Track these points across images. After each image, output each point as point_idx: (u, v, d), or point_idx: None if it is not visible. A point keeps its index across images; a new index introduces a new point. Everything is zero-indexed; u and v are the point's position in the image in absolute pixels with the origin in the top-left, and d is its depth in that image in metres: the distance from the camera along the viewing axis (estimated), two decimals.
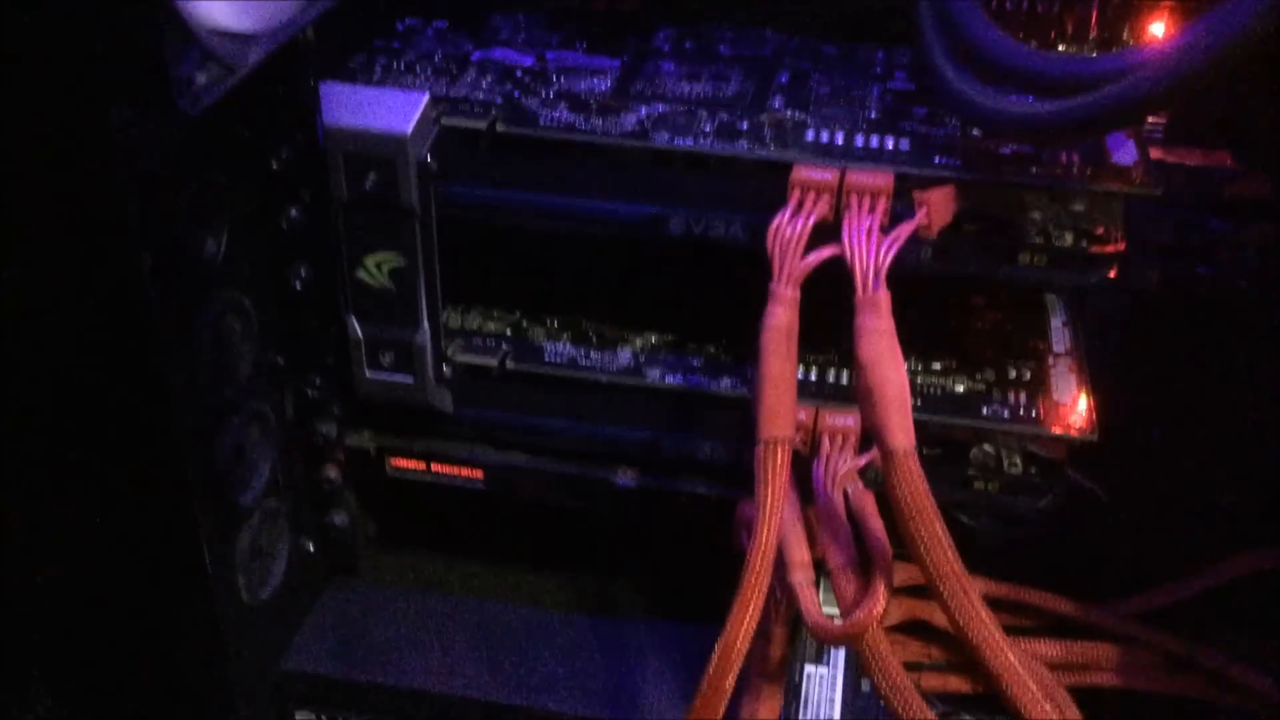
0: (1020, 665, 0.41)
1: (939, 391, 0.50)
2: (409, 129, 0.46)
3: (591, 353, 0.53)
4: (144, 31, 0.37)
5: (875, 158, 0.46)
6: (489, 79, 0.51)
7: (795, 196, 0.44)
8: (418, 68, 0.51)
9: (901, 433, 0.41)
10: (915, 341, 0.52)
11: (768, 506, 0.43)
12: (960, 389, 0.51)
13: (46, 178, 0.39)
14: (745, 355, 0.52)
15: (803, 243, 0.43)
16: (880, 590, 0.43)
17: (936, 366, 0.52)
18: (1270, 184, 0.55)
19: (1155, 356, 0.59)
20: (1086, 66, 0.40)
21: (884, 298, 0.42)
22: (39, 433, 0.45)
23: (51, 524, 0.48)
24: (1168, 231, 0.56)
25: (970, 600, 0.41)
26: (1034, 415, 0.49)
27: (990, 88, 0.42)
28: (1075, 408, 0.49)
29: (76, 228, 0.40)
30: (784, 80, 0.51)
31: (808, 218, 0.43)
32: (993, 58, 0.42)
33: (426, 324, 0.50)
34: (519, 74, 0.51)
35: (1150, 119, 0.55)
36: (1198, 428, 0.60)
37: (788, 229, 0.43)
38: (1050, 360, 0.52)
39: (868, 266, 0.42)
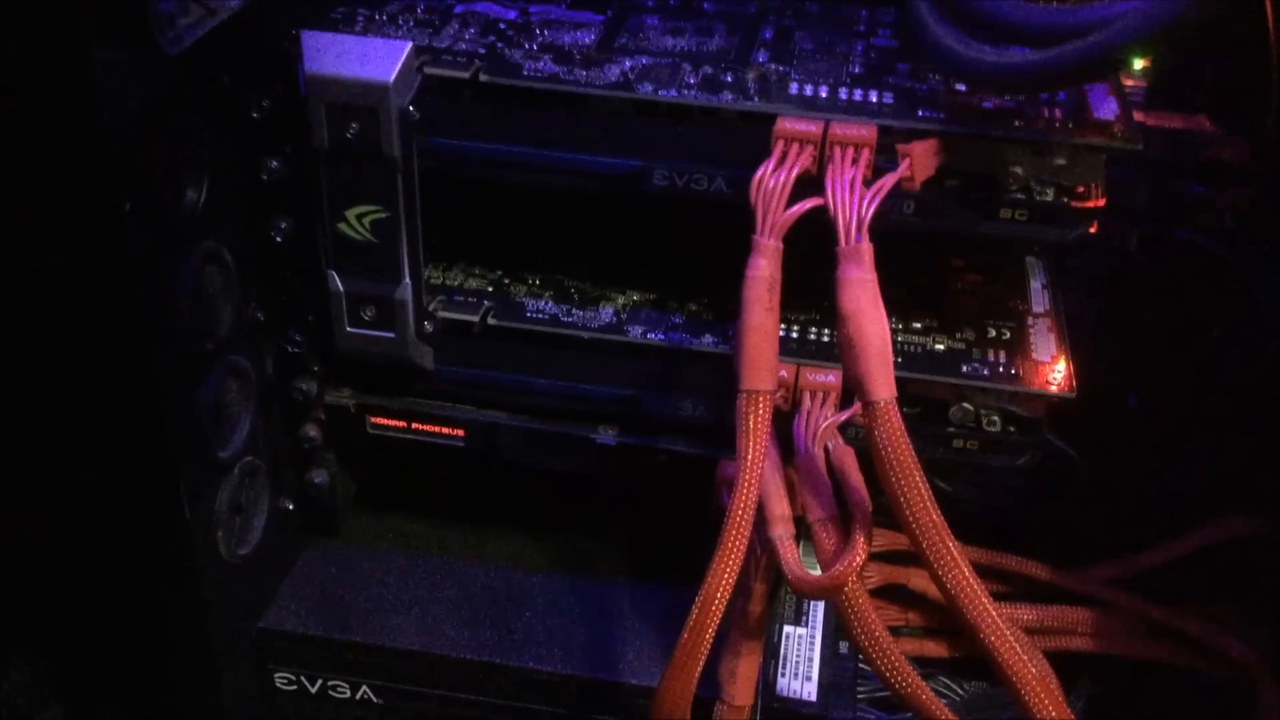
0: (998, 616, 0.42)
1: (919, 350, 0.51)
2: (391, 77, 0.46)
3: (573, 310, 0.53)
4: None
5: (858, 110, 0.46)
6: (472, 31, 0.50)
7: (779, 148, 0.44)
8: (400, 19, 0.51)
9: (883, 383, 0.41)
10: (896, 301, 0.52)
11: (749, 457, 0.43)
12: (940, 347, 0.51)
13: (25, 118, 0.38)
14: (727, 312, 0.52)
15: (786, 194, 0.43)
16: (860, 543, 0.43)
17: (917, 325, 0.52)
18: (1248, 148, 0.56)
19: (1133, 320, 0.60)
20: (1069, 16, 0.41)
21: (866, 249, 0.42)
22: (16, 387, 0.44)
23: (30, 480, 0.47)
24: (1145, 195, 0.56)
25: (948, 550, 0.41)
26: (1013, 374, 0.49)
27: (973, 39, 0.43)
28: (1054, 367, 0.50)
29: (55, 171, 0.39)
30: (768, 36, 0.51)
31: (791, 169, 0.43)
32: (977, 8, 0.42)
33: (408, 279, 0.50)
34: (502, 26, 0.51)
35: (1130, 82, 0.56)
36: (1174, 392, 0.60)
37: (771, 180, 0.43)
38: (1030, 321, 0.53)
39: (850, 217, 0.42)
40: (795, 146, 0.44)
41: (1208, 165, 0.56)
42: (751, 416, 0.43)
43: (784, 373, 0.49)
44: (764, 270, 0.43)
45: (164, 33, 0.38)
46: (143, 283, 0.42)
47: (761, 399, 0.43)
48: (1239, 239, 0.56)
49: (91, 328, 0.42)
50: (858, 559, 0.43)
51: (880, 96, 0.46)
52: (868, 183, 0.43)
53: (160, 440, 0.45)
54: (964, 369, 0.50)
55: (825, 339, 0.51)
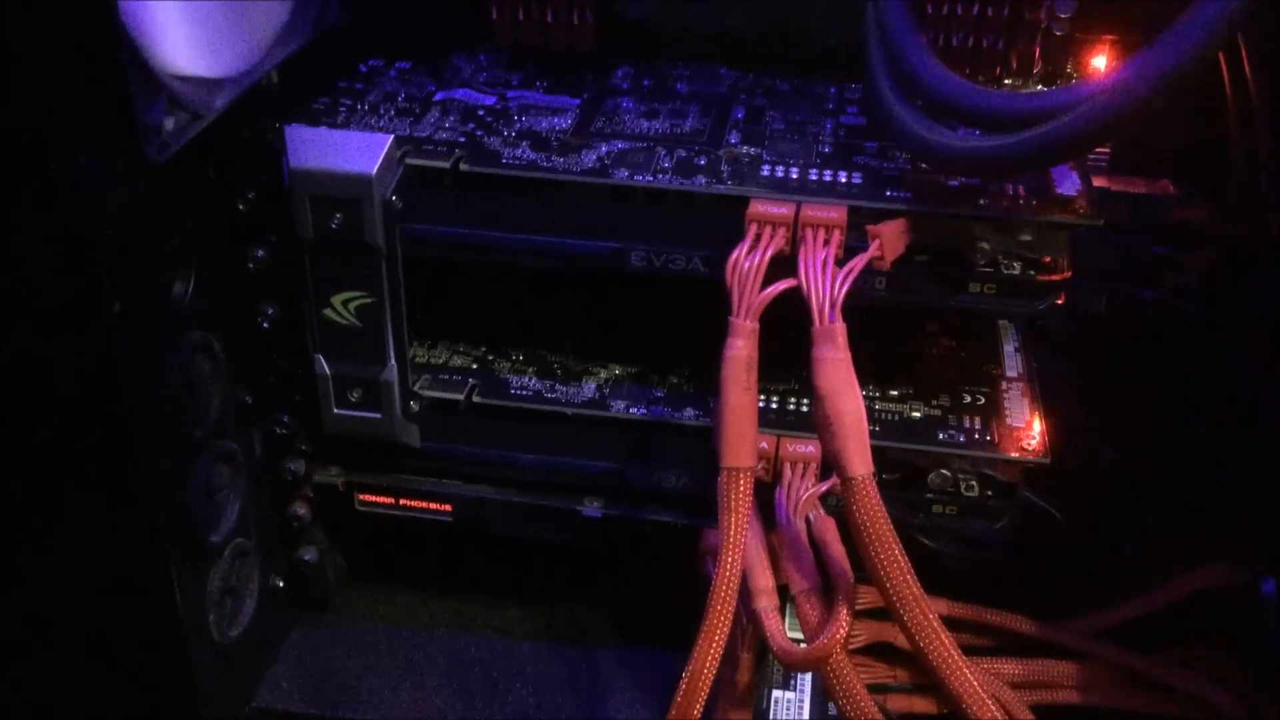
0: (980, 685, 0.43)
1: (896, 418, 0.52)
2: (374, 169, 0.47)
3: (557, 385, 0.54)
4: (112, 81, 0.37)
5: (829, 191, 0.47)
6: (452, 119, 0.52)
7: (752, 231, 0.45)
8: (381, 108, 0.52)
9: (859, 460, 0.42)
10: (872, 368, 0.53)
11: (731, 534, 0.44)
12: (917, 415, 0.52)
13: (17, 224, 0.39)
14: (707, 385, 0.53)
15: (760, 276, 0.44)
16: (843, 616, 0.44)
17: (894, 393, 0.53)
18: (1210, 210, 0.57)
19: (1105, 377, 0.61)
20: (1030, 103, 0.42)
21: (840, 329, 0.43)
22: (10, 474, 0.45)
23: (23, 565, 0.48)
24: (1113, 258, 0.57)
25: (929, 623, 0.42)
26: (988, 440, 0.50)
27: (938, 124, 0.44)
28: (1028, 432, 0.51)
29: (46, 272, 0.40)
30: (740, 116, 0.53)
31: (765, 251, 0.45)
32: (940, 95, 0.44)
33: (394, 360, 0.51)
34: (481, 113, 0.52)
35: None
36: (1148, 446, 0.62)
37: (745, 262, 0.44)
38: (1004, 385, 0.54)
39: (824, 298, 0.43)
40: (768, 229, 0.45)
41: (1172, 227, 0.58)
42: (733, 493, 0.44)
43: (764, 444, 0.50)
44: (741, 351, 0.44)
45: (150, 142, 0.39)
46: (132, 375, 0.43)
47: (742, 476, 0.44)
48: (1205, 298, 0.58)
49: (82, 419, 0.43)
50: (841, 631, 0.44)
51: (849, 177, 0.48)
52: (840, 263, 0.44)
53: (151, 528, 0.45)
54: (940, 436, 0.51)
55: (805, 409, 0.52)
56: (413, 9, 0.57)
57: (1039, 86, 0.54)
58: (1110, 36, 0.54)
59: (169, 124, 0.40)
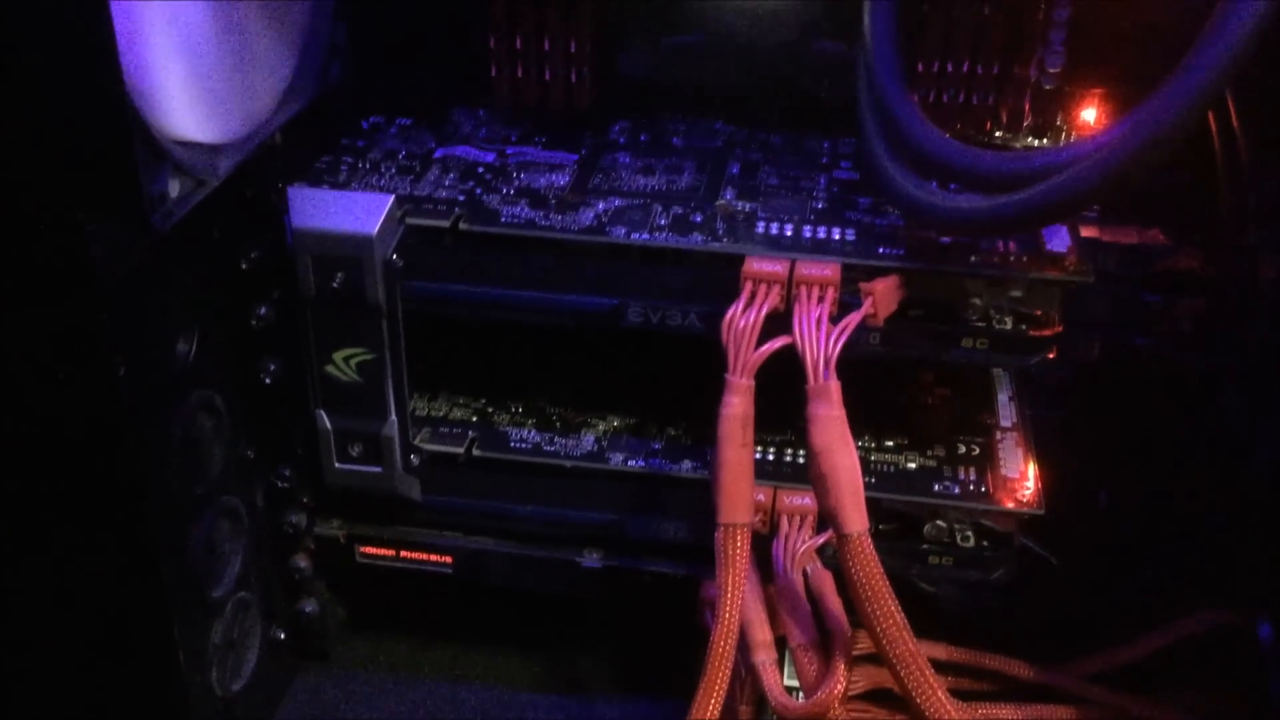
0: None
1: (892, 469, 0.52)
2: (375, 230, 0.47)
3: (556, 438, 0.54)
4: (118, 152, 0.38)
5: (823, 248, 0.48)
6: (452, 176, 0.52)
7: (747, 289, 0.46)
8: (383, 166, 0.53)
9: (855, 517, 0.42)
10: (868, 419, 0.54)
11: (729, 590, 0.44)
12: (912, 466, 0.52)
13: (23, 289, 0.40)
14: (705, 436, 0.53)
15: (756, 333, 0.45)
16: (840, 670, 0.45)
17: (889, 444, 0.54)
18: (1200, 259, 0.58)
19: (1099, 424, 0.62)
20: (1019, 164, 0.43)
21: (834, 386, 0.43)
22: (15, 529, 0.45)
23: (26, 620, 0.48)
24: (1106, 306, 0.58)
25: (925, 680, 0.42)
26: (983, 491, 0.51)
27: (929, 184, 0.45)
28: (1023, 483, 0.51)
29: (52, 336, 0.41)
30: (735, 171, 0.53)
31: (760, 309, 0.45)
32: (930, 156, 0.44)
33: (394, 415, 0.51)
34: (480, 170, 0.53)
35: None
36: (1142, 491, 0.62)
37: (741, 320, 0.45)
38: (998, 435, 0.54)
39: (818, 356, 0.44)
40: (763, 286, 0.46)
41: (1163, 276, 0.58)
42: (730, 549, 0.45)
43: (761, 495, 0.50)
44: (737, 409, 0.44)
45: (156, 211, 0.40)
46: (135, 435, 0.43)
47: (739, 532, 0.45)
48: (1197, 345, 0.58)
49: (85, 477, 0.44)
50: (838, 687, 0.44)
51: (843, 233, 0.49)
52: (834, 319, 0.45)
53: (154, 586, 0.46)
54: (936, 488, 0.51)
55: (801, 459, 0.53)
56: (414, 67, 0.58)
57: (1030, 139, 0.54)
58: (1099, 90, 0.55)
59: (173, 191, 0.41)
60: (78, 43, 0.36)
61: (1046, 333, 0.47)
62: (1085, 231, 0.55)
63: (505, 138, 0.56)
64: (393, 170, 0.53)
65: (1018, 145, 0.54)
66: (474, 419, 0.55)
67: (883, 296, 0.46)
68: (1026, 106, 0.53)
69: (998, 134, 0.54)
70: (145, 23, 0.40)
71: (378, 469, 0.52)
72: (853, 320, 0.44)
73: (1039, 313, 0.47)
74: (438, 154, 0.54)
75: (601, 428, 0.55)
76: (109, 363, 0.41)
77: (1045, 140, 0.55)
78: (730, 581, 0.44)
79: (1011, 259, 0.47)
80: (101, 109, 0.37)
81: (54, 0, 0.35)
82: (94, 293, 0.39)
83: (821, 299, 0.45)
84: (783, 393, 0.46)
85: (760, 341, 0.45)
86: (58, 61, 0.36)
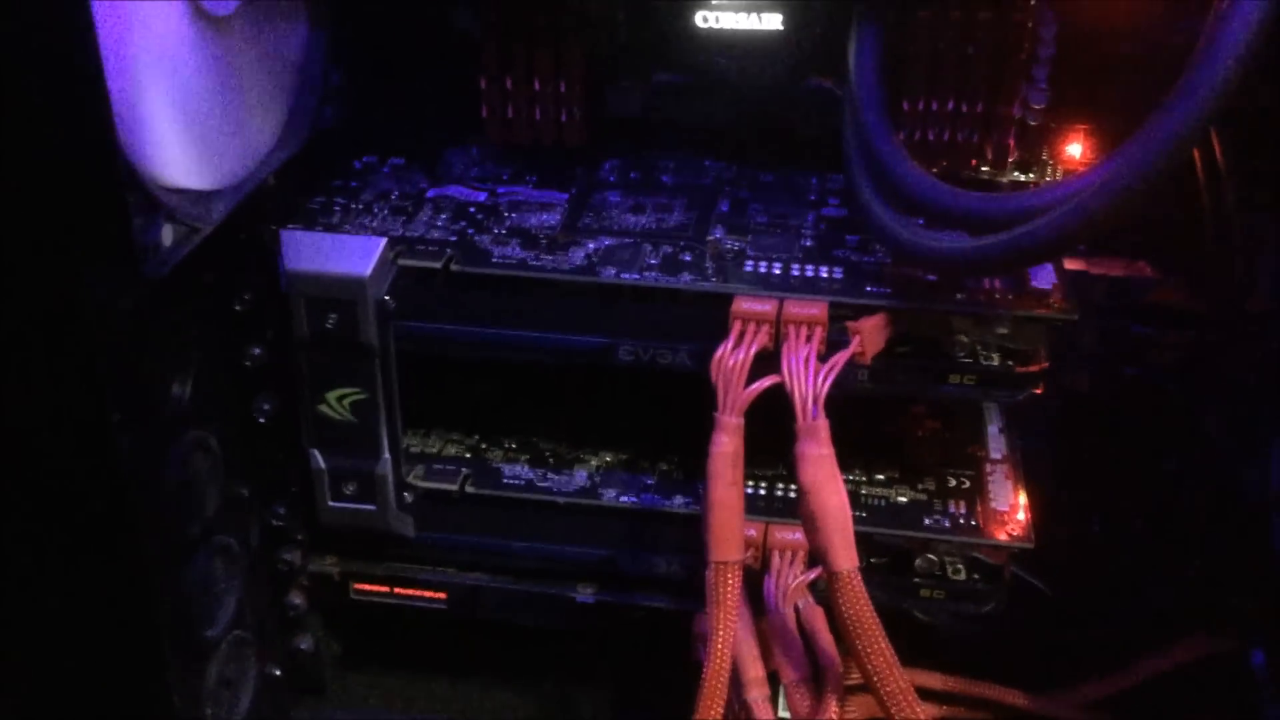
0: None
1: (883, 504, 0.53)
2: (368, 272, 0.48)
3: (549, 474, 0.54)
4: (110, 204, 0.39)
5: (811, 287, 0.48)
6: (444, 216, 0.53)
7: (736, 328, 0.46)
8: (375, 207, 0.54)
9: (844, 555, 0.43)
10: (858, 450, 0.54)
11: (720, 627, 0.45)
12: (903, 499, 0.53)
13: (17, 339, 0.40)
14: (697, 470, 0.53)
15: (745, 372, 0.45)
16: (832, 706, 0.45)
17: (880, 477, 0.54)
18: (1187, 290, 0.58)
19: (1091, 452, 0.62)
20: (1003, 205, 0.43)
21: (823, 425, 0.44)
22: (8, 570, 0.45)
23: (20, 661, 0.48)
24: (1095, 337, 0.59)
25: (915, 715, 0.43)
26: (973, 525, 0.51)
27: (916, 224, 0.45)
28: (1013, 516, 0.52)
29: (47, 382, 0.41)
30: (724, 209, 0.54)
31: (749, 348, 0.46)
32: (916, 197, 0.45)
33: (387, 454, 0.52)
34: (472, 210, 0.53)
35: None
36: (1135, 519, 0.62)
37: (730, 359, 0.46)
38: (988, 467, 0.55)
39: (806, 395, 0.44)
40: (752, 326, 0.46)
41: (1150, 308, 0.59)
42: (721, 586, 0.45)
43: (753, 531, 0.50)
44: (727, 448, 0.45)
45: (149, 260, 0.40)
46: (130, 478, 0.43)
47: (730, 570, 0.45)
48: (1186, 375, 0.59)
49: (79, 519, 0.44)
50: None
51: (831, 271, 0.49)
52: (822, 358, 0.45)
53: (148, 627, 0.46)
54: (926, 521, 0.52)
55: (792, 494, 0.53)
56: (406, 108, 0.59)
57: (1015, 174, 0.55)
58: (1083, 126, 0.56)
59: (167, 239, 0.42)
60: (70, 96, 0.36)
61: (1033, 369, 0.48)
62: (1072, 264, 0.55)
63: (497, 176, 0.57)
64: (385, 211, 0.53)
65: (1004, 180, 0.55)
66: (467, 455, 0.56)
67: (870, 335, 0.46)
68: (1011, 143, 0.54)
69: (984, 169, 0.54)
70: (138, 73, 0.40)
71: (371, 507, 0.53)
72: (840, 359, 0.45)
73: (1025, 349, 0.48)
74: (430, 194, 0.55)
75: (594, 463, 0.55)
76: (103, 409, 0.41)
77: (1032, 174, 0.56)
78: (722, 619, 0.45)
79: (997, 296, 0.47)
80: (94, 161, 0.38)
81: (47, 55, 0.35)
82: (88, 341, 0.39)
83: (809, 338, 0.46)
84: (774, 426, 0.47)
85: (749, 380, 0.45)
86: (50, 114, 0.36)
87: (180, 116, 0.43)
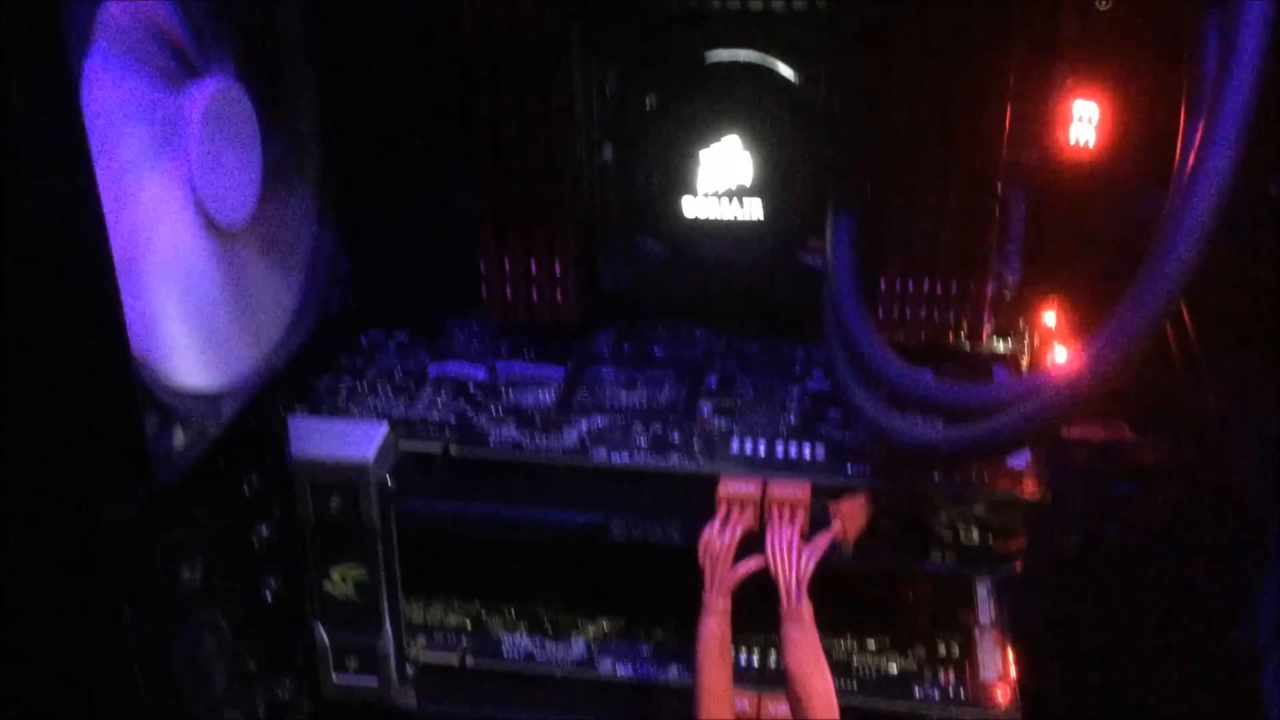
0: None
1: (874, 673, 0.54)
2: (371, 457, 0.50)
3: (547, 643, 0.56)
4: (125, 417, 0.41)
5: (794, 467, 0.50)
6: (444, 396, 0.55)
7: (723, 509, 0.48)
8: (379, 385, 0.56)
9: None
10: (849, 617, 0.55)
11: None
12: (894, 669, 0.54)
13: (27, 541, 0.42)
14: (691, 636, 0.55)
15: (731, 554, 0.47)
16: None
17: (871, 645, 0.55)
18: (1167, 450, 0.60)
19: (1080, 614, 0.63)
20: (977, 395, 0.45)
21: (806, 609, 0.45)
22: None
23: None
24: (1079, 499, 0.60)
25: None
26: (962, 696, 0.52)
27: (890, 411, 0.47)
28: (1000, 687, 0.53)
29: (57, 577, 0.43)
30: (713, 385, 0.56)
31: (735, 529, 0.48)
32: (893, 386, 0.47)
33: (389, 629, 0.53)
34: (471, 389, 0.56)
35: None
36: (1129, 673, 0.63)
37: (717, 541, 0.47)
38: (977, 632, 0.56)
39: (790, 578, 0.46)
40: (738, 506, 0.48)
41: (1132, 468, 0.60)
42: None
43: (745, 703, 0.51)
44: (714, 630, 0.47)
45: (160, 465, 0.42)
46: (139, 663, 0.45)
47: None
48: (1170, 535, 0.60)
49: (87, 702, 0.45)
50: None
51: (813, 449, 0.51)
52: (805, 538, 0.47)
53: None
54: (917, 693, 0.53)
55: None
56: (410, 291, 0.61)
57: (993, 341, 0.57)
58: (1057, 295, 0.58)
59: (178, 443, 0.44)
60: (87, 314, 0.38)
61: (1011, 546, 0.49)
62: None
63: (495, 350, 0.59)
64: (389, 390, 0.56)
65: (982, 349, 0.57)
66: (468, 624, 0.57)
67: (850, 517, 0.48)
68: (986, 316, 0.56)
69: (963, 339, 0.57)
70: (152, 287, 0.43)
71: (374, 681, 0.54)
72: (822, 543, 0.47)
73: (1003, 526, 0.49)
74: (431, 373, 0.57)
75: (592, 631, 0.57)
76: (114, 604, 0.43)
77: (1009, 340, 0.58)
78: None
79: (974, 476, 0.49)
80: (108, 375, 0.40)
81: (63, 275, 0.37)
82: (98, 541, 0.41)
83: (793, 520, 0.48)
84: (765, 593, 0.48)
85: (737, 557, 0.47)
86: (66, 330, 0.37)
87: (193, 324, 0.45)
